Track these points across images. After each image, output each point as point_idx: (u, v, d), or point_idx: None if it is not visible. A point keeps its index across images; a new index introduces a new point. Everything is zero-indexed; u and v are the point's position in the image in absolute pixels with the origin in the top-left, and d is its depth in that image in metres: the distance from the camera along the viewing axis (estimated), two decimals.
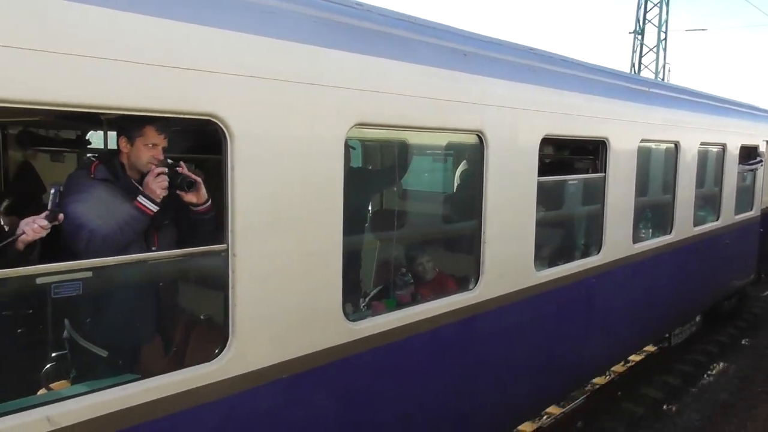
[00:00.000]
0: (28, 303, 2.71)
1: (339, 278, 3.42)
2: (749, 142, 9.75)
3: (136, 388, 2.62)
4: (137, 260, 2.99)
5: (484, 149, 4.33)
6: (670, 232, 7.42)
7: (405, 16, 4.16)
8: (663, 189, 7.62)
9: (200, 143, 3.99)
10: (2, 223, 3.89)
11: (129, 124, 3.12)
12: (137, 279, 3.11)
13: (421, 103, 3.83)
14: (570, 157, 7.07)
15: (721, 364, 9.31)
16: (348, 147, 3.46)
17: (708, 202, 8.81)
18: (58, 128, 5.39)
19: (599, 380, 7.99)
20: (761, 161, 10.26)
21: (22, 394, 2.57)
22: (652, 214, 7.57)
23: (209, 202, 3.18)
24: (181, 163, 3.16)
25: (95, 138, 5.45)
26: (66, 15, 2.29)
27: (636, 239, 6.63)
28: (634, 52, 39.79)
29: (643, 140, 6.42)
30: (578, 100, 5.41)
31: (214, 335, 3.07)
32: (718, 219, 8.88)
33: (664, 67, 38.89)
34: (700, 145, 7.83)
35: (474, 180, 4.48)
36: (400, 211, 5.27)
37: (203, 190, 3.15)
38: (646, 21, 39.19)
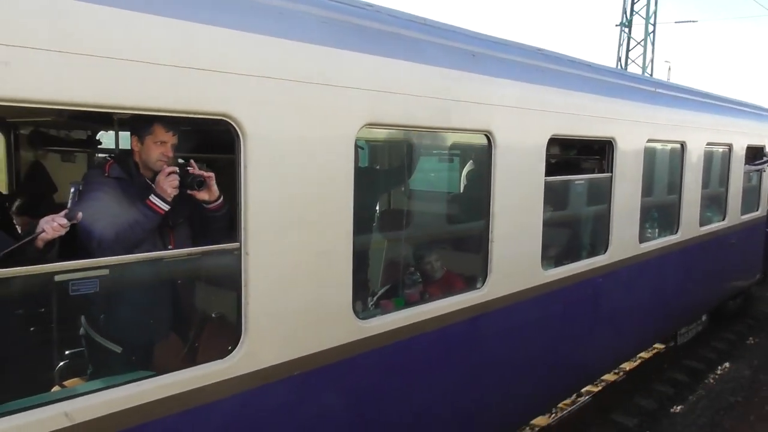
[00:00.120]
0: (48, 300, 2.75)
1: (349, 277, 3.45)
2: (755, 142, 9.75)
3: (151, 384, 2.66)
4: (152, 258, 3.03)
5: (492, 149, 4.35)
6: (677, 232, 7.43)
7: (414, 16, 4.19)
8: (669, 189, 7.63)
9: (211, 142, 4.03)
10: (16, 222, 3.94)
11: (139, 123, 3.16)
12: (151, 277, 3.15)
13: (430, 103, 3.86)
14: (577, 157, 7.08)
15: (728, 364, 9.31)
16: (357, 147, 3.49)
17: (714, 202, 8.82)
18: (69, 128, 5.44)
19: (608, 377, 8.01)
20: (767, 161, 10.27)
21: (41, 390, 2.61)
22: (659, 214, 7.57)
23: (221, 199, 3.22)
24: (192, 161, 3.20)
25: (105, 138, 5.50)
26: (84, 17, 2.33)
27: (642, 239, 6.64)
28: (620, 45, 37.52)
29: (649, 140, 6.43)
30: (585, 101, 5.43)
31: (226, 333, 3.11)
32: (724, 219, 8.88)
33: (652, 61, 36.70)
34: (706, 145, 7.84)
35: (482, 180, 4.50)
36: (409, 210, 5.30)
37: (215, 187, 3.19)
38: (634, 13, 36.61)
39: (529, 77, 4.76)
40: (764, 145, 10.19)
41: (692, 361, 9.23)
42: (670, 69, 48.84)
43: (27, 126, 5.33)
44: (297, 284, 3.18)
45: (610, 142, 5.79)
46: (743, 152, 9.24)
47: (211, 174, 3.16)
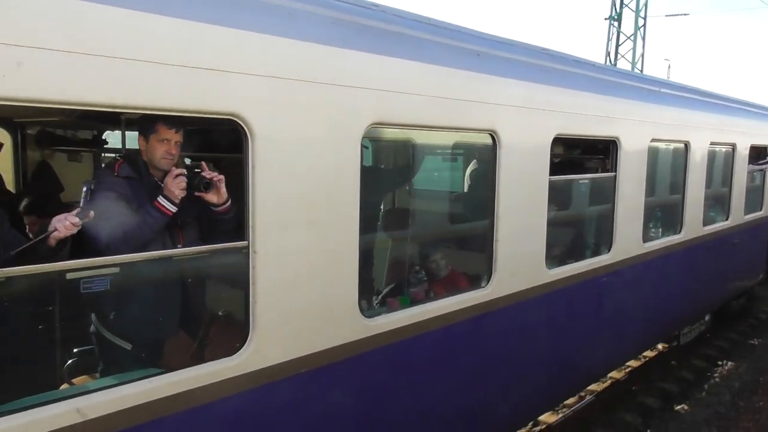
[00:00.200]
0: (59, 298, 2.78)
1: (355, 275, 3.48)
2: (759, 142, 9.75)
3: (160, 381, 2.68)
4: (160, 257, 3.06)
5: (497, 148, 4.37)
6: (680, 231, 7.44)
7: (419, 16, 4.21)
8: (673, 188, 7.64)
9: (218, 142, 4.06)
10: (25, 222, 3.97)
11: (144, 122, 3.19)
12: (160, 275, 3.17)
13: (435, 102, 3.88)
14: (581, 156, 7.10)
15: (731, 363, 9.32)
16: (362, 146, 3.51)
17: (718, 202, 8.82)
18: (76, 128, 5.47)
19: (614, 374, 8.05)
20: None
21: (53, 387, 2.64)
22: (662, 213, 7.59)
23: (229, 202, 3.23)
24: (203, 163, 3.22)
25: (111, 137, 5.53)
26: (95, 18, 2.35)
27: (646, 238, 6.66)
28: (609, 40, 35.51)
29: (653, 140, 6.45)
30: (589, 100, 5.45)
31: (234, 330, 3.13)
32: (727, 219, 8.89)
33: (642, 56, 34.74)
34: (710, 144, 7.85)
35: (486, 179, 4.52)
36: (414, 209, 5.33)
37: (223, 190, 3.20)
38: (623, 5, 34.45)
39: (534, 77, 4.77)
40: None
41: (697, 359, 9.25)
42: (669, 67, 47.92)
43: (34, 126, 5.37)
44: (304, 282, 3.20)
45: (614, 141, 5.81)
46: (747, 152, 9.25)
47: (221, 176, 3.18)
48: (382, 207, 5.13)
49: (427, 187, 5.92)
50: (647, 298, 7.03)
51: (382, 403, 3.85)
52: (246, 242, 2.95)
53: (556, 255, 5.51)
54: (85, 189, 2.79)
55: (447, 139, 5.36)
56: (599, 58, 33.65)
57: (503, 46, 4.74)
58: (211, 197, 3.18)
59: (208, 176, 3.13)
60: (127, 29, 2.44)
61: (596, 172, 6.45)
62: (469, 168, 5.64)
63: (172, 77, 2.57)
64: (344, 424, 3.63)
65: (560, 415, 6.94)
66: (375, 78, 3.48)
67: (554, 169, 5.07)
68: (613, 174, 5.90)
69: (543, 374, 5.41)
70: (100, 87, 2.39)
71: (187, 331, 3.39)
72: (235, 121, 2.83)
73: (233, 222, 3.20)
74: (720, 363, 9.33)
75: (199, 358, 3.12)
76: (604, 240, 6.10)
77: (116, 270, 2.77)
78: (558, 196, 5.36)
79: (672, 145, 7.33)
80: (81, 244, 2.80)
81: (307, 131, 3.13)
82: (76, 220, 2.58)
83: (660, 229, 7.54)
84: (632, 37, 34.49)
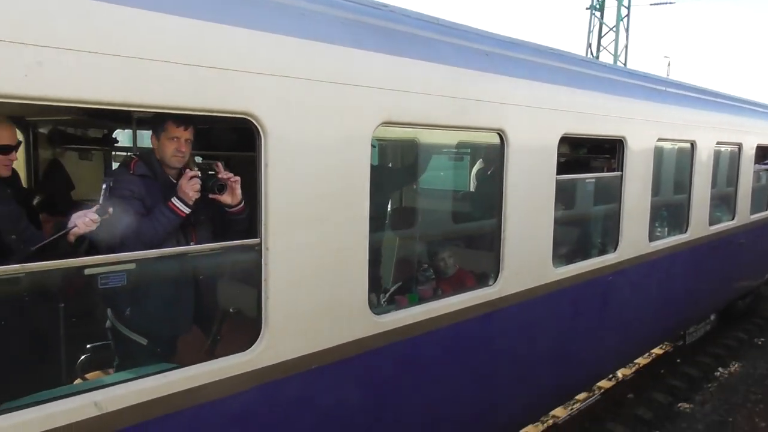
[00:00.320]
0: (77, 293, 2.83)
1: (365, 272, 3.51)
2: (765, 141, 9.75)
3: (176, 375, 2.73)
4: (175, 254, 3.10)
5: (505, 148, 4.41)
6: (686, 231, 7.45)
7: (428, 16, 4.24)
8: (679, 188, 7.66)
9: (229, 141, 4.11)
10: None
11: (154, 121, 3.23)
12: (174, 272, 3.22)
13: (444, 102, 3.91)
14: (587, 156, 7.12)
15: (737, 363, 9.33)
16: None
17: (723, 202, 8.83)
18: (86, 127, 5.53)
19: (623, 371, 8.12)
20: None
21: (70, 380, 2.69)
22: (668, 212, 7.61)
23: (243, 203, 3.27)
24: (217, 164, 3.27)
25: (122, 136, 5.59)
26: (114, 18, 2.40)
27: (652, 238, 6.68)
28: (590, 31, 33.70)
29: (659, 139, 6.46)
30: (596, 100, 5.48)
31: (247, 326, 3.18)
32: (733, 218, 8.89)
33: (626, 47, 33.21)
34: (716, 144, 7.86)
35: (494, 178, 4.56)
36: (422, 208, 5.36)
37: (238, 191, 3.24)
38: None
39: (542, 76, 4.80)
40: None
41: (703, 359, 9.27)
42: (669, 65, 46.89)
43: (45, 124, 5.42)
44: (315, 279, 3.24)
45: (621, 141, 5.83)
46: (753, 152, 9.25)
47: (237, 178, 3.22)
48: (390, 205, 5.17)
49: (435, 186, 5.96)
50: (653, 297, 7.05)
51: (391, 399, 3.89)
52: (258, 239, 2.98)
53: (562, 254, 5.54)
54: (104, 186, 2.84)
55: (455, 138, 5.39)
56: (581, 50, 32.09)
57: (511, 45, 4.78)
58: (225, 198, 3.22)
59: (224, 177, 3.17)
60: (143, 29, 2.48)
61: (602, 171, 6.47)
62: (476, 167, 5.68)
63: (187, 77, 2.61)
64: (354, 419, 3.67)
65: (570, 410, 7.02)
66: (385, 77, 3.51)
67: (561, 168, 5.10)
68: (619, 173, 5.92)
69: (550, 371, 5.44)
70: (117, 86, 2.43)
71: (200, 326, 3.44)
72: (248, 120, 2.87)
73: (246, 222, 3.24)
74: (726, 363, 9.34)
75: (212, 354, 3.17)
76: (610, 239, 6.12)
77: (132, 266, 2.81)
78: (565, 195, 5.39)
79: (678, 145, 7.35)
80: (95, 240, 2.85)
81: (319, 130, 3.17)
82: (96, 216, 2.63)
83: (666, 229, 7.55)
84: (615, 28, 32.89)
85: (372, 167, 3.54)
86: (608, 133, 5.75)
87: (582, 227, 6.46)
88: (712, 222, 8.15)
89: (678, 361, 9.10)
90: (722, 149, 8.36)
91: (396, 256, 4.92)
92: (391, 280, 4.80)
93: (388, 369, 3.82)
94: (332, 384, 3.44)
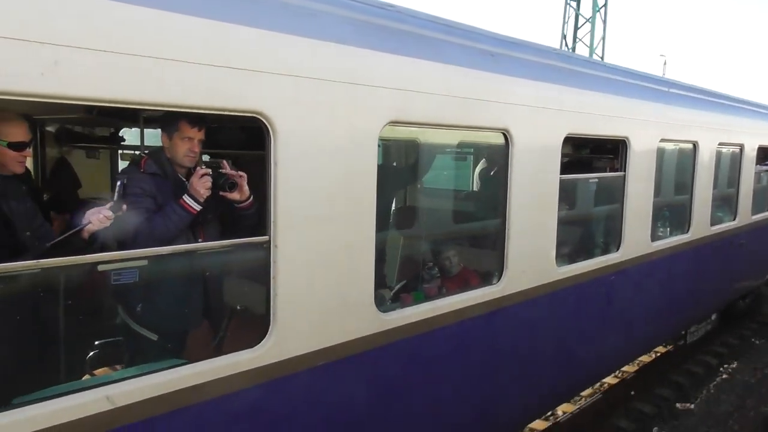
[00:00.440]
0: (90, 289, 2.86)
1: (372, 270, 3.55)
2: (767, 143, 9.78)
3: (186, 371, 2.76)
4: (185, 251, 3.14)
5: (510, 147, 4.44)
6: (688, 231, 7.49)
7: (434, 17, 4.28)
8: (681, 188, 7.69)
9: (236, 140, 4.14)
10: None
11: (166, 120, 3.27)
12: (184, 269, 3.26)
13: (450, 101, 3.95)
14: (590, 156, 7.16)
15: (737, 362, 9.36)
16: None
17: (725, 202, 8.86)
18: (93, 125, 5.56)
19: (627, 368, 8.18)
20: None
21: (85, 374, 2.72)
22: (670, 213, 7.64)
23: (251, 198, 3.32)
24: (224, 162, 3.30)
25: (128, 134, 5.62)
26: (129, 19, 2.43)
27: (654, 238, 6.71)
28: (565, 22, 31.79)
29: (662, 140, 6.50)
30: (600, 100, 5.51)
31: (255, 323, 3.21)
32: (735, 219, 8.93)
33: (603, 39, 31.26)
34: (718, 145, 7.90)
35: (498, 177, 4.59)
36: (427, 207, 5.40)
37: (245, 187, 3.29)
38: None
39: (546, 76, 4.84)
40: None
41: (704, 358, 9.31)
42: (665, 63, 45.53)
43: (52, 123, 5.46)
44: (323, 276, 3.28)
45: (624, 141, 5.87)
46: (754, 153, 9.28)
47: (244, 174, 3.26)
48: (396, 204, 5.21)
49: (440, 185, 6.00)
50: (655, 296, 7.08)
51: (396, 395, 3.93)
52: (267, 237, 3.02)
53: (566, 253, 5.57)
54: (119, 183, 2.88)
55: (459, 137, 5.42)
56: (555, 42, 30.79)
57: (516, 46, 4.81)
58: (234, 195, 3.27)
59: (234, 174, 3.21)
60: (156, 29, 2.52)
61: (605, 171, 6.50)
62: (479, 166, 5.71)
63: (199, 76, 2.64)
64: (359, 415, 3.71)
65: (577, 406, 7.10)
66: (392, 77, 3.54)
67: (564, 168, 5.13)
68: (622, 174, 5.96)
69: (553, 369, 5.48)
70: (131, 85, 2.46)
71: (210, 322, 3.48)
72: (258, 119, 2.90)
73: (255, 218, 3.28)
74: (726, 362, 9.37)
75: (221, 350, 3.20)
76: (612, 239, 6.16)
77: (144, 263, 2.85)
78: (568, 194, 5.42)
79: (680, 146, 7.38)
80: (109, 237, 2.88)
81: (328, 129, 3.20)
82: (110, 213, 2.67)
83: (668, 229, 7.59)
84: (591, 20, 31.12)
85: (378, 165, 3.57)
86: (611, 134, 5.79)
87: (585, 227, 6.50)
88: (714, 222, 8.18)
89: (679, 361, 9.14)
90: (724, 150, 8.40)
91: (401, 255, 4.95)
92: (397, 278, 4.84)
93: (394, 366, 3.85)
94: (339, 380, 3.48)
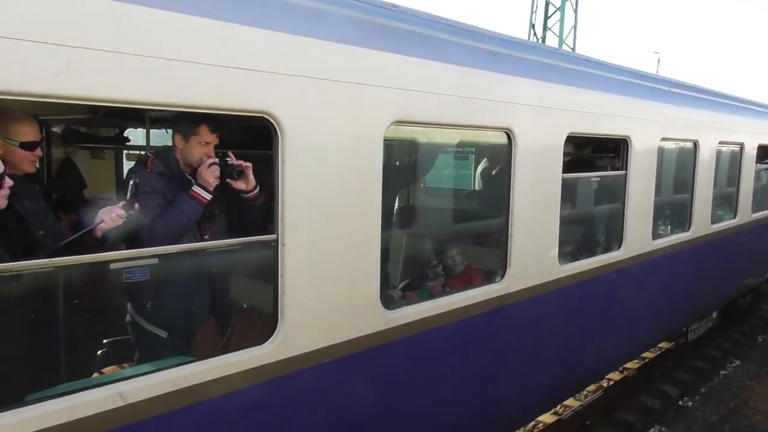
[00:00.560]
0: (103, 287, 2.90)
1: (377, 268, 3.58)
2: (767, 141, 9.82)
3: (196, 367, 2.79)
4: (193, 249, 3.17)
5: (512, 146, 4.48)
6: (689, 229, 7.53)
7: (437, 17, 4.31)
8: (682, 187, 7.73)
9: (247, 139, 4.17)
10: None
11: (184, 123, 3.30)
12: (193, 267, 3.29)
13: (454, 101, 3.98)
14: (592, 154, 7.19)
15: (738, 360, 9.40)
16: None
17: (726, 201, 8.90)
18: (99, 126, 5.59)
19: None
20: None
21: (97, 371, 2.75)
22: (671, 211, 7.68)
23: (257, 188, 3.36)
24: (230, 153, 3.35)
25: (133, 135, 5.65)
26: (138, 20, 2.46)
27: (655, 236, 6.75)
28: (533, 11, 30.23)
29: (663, 138, 6.53)
30: (602, 99, 5.55)
31: (263, 320, 3.24)
32: (735, 217, 8.97)
33: (574, 28, 29.38)
34: (719, 144, 7.94)
35: (501, 176, 4.62)
36: (431, 206, 5.43)
37: (251, 177, 3.34)
38: None
39: (549, 76, 4.87)
40: None
41: (705, 355, 9.36)
42: (659, 61, 45.15)
43: (58, 123, 5.49)
44: (330, 275, 3.31)
45: (625, 140, 5.90)
46: (755, 151, 9.32)
47: (249, 164, 3.31)
48: (400, 203, 5.24)
49: (443, 184, 6.03)
50: (656, 294, 7.12)
51: (402, 392, 3.96)
52: (275, 235, 3.05)
53: (568, 251, 5.61)
54: (131, 183, 2.91)
55: (463, 136, 5.45)
56: (523, 32, 29.58)
57: (519, 46, 4.85)
58: (240, 184, 3.31)
59: (241, 163, 3.26)
60: (166, 30, 2.55)
61: (607, 170, 6.54)
62: (482, 165, 5.75)
63: (208, 76, 2.67)
64: (365, 411, 3.74)
65: (583, 400, 7.15)
66: (397, 77, 3.58)
67: (566, 167, 5.16)
68: (623, 172, 6.00)
69: (556, 366, 5.52)
70: (141, 85, 2.49)
71: (218, 320, 3.51)
72: (266, 118, 2.94)
73: (263, 209, 3.32)
74: (727, 359, 9.41)
75: (230, 347, 3.23)
76: (614, 237, 6.19)
77: (154, 261, 2.88)
78: (570, 193, 5.46)
79: (681, 144, 7.42)
80: (121, 235, 2.92)
81: (334, 128, 3.24)
82: (122, 212, 2.70)
83: (669, 227, 7.63)
84: (560, 8, 29.75)
85: (384, 165, 3.60)
86: (613, 133, 5.82)
87: (587, 225, 6.54)
88: (714, 221, 8.22)
89: (680, 358, 9.18)
90: (724, 149, 8.44)
91: (406, 253, 4.99)
92: (402, 276, 4.87)
93: (399, 363, 3.89)
94: (345, 377, 3.51)
